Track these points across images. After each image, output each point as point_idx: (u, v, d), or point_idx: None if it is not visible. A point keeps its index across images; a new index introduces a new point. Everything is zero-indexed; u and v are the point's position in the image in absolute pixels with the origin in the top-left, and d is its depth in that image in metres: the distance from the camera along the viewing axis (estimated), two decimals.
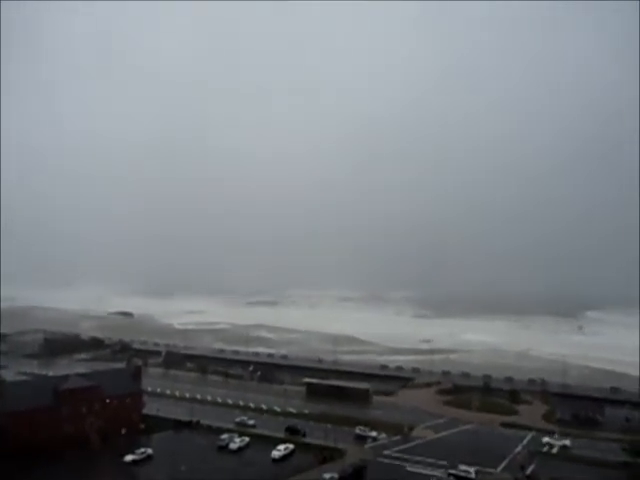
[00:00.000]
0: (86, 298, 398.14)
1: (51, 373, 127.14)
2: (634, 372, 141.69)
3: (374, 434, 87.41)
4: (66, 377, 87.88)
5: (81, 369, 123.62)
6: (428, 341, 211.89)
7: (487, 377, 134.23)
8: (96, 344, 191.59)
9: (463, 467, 69.80)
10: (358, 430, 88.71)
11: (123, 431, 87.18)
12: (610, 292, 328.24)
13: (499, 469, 73.00)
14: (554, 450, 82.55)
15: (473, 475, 68.27)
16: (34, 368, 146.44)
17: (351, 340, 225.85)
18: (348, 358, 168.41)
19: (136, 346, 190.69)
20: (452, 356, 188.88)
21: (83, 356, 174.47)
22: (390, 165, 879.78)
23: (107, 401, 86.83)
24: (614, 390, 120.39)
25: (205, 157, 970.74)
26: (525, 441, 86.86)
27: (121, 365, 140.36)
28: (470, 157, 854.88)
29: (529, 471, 70.91)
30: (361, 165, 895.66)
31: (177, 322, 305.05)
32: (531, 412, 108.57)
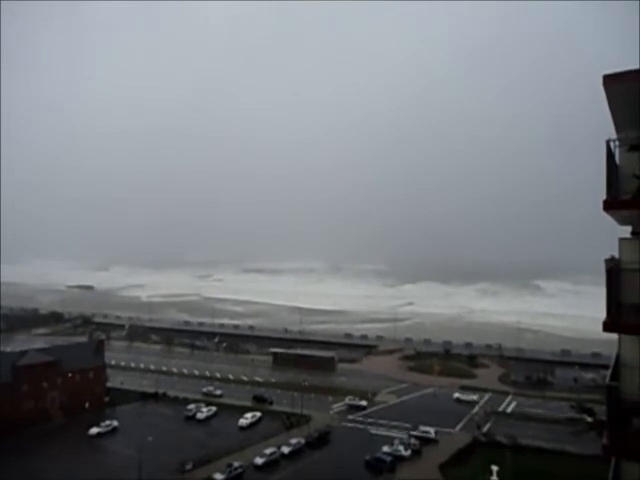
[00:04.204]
0: (41, 272, 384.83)
1: (9, 349, 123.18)
2: (583, 336, 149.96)
3: (364, 403, 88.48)
4: (25, 352, 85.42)
5: (40, 344, 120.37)
6: (388, 310, 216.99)
7: (447, 343, 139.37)
8: (56, 318, 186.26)
9: (424, 428, 73.06)
10: (348, 400, 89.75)
11: (87, 405, 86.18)
12: (566, 263, 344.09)
13: (457, 428, 76.91)
14: (508, 409, 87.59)
15: (433, 435, 71.64)
16: None
17: (316, 310, 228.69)
18: (314, 328, 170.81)
19: (98, 319, 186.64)
20: (407, 322, 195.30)
21: (42, 331, 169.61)
22: (365, 138, 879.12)
23: (69, 375, 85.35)
24: (564, 353, 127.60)
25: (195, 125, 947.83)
26: (482, 402, 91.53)
27: (83, 339, 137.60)
28: (447, 132, 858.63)
29: (485, 429, 75.04)
30: (337, 138, 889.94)
31: (137, 294, 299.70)
32: (488, 375, 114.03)
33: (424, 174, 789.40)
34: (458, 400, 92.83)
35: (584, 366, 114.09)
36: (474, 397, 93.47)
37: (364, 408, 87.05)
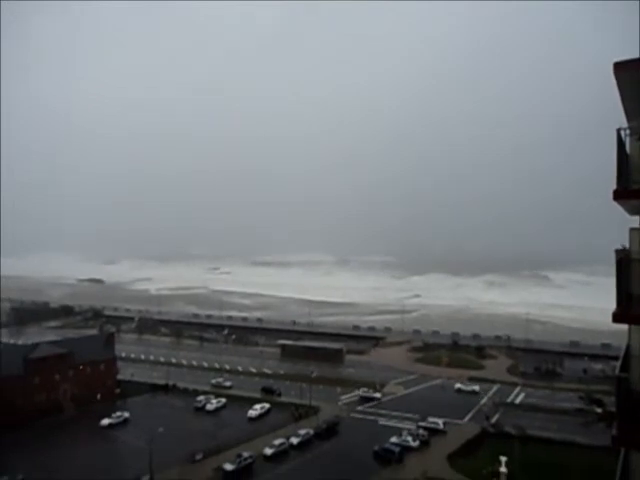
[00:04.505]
0: (50, 266, 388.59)
1: (20, 341, 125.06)
2: (592, 327, 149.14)
3: (378, 395, 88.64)
4: (36, 345, 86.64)
5: (52, 337, 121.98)
6: (397, 302, 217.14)
7: (455, 334, 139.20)
8: (66, 311, 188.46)
9: (432, 419, 73.22)
10: (362, 392, 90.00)
11: (98, 397, 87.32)
12: (575, 254, 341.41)
13: (466, 419, 77.01)
14: (517, 401, 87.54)
15: (441, 426, 71.80)
16: (3, 337, 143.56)
17: (324, 303, 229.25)
18: (322, 320, 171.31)
19: (108, 312, 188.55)
20: (415, 314, 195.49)
21: (53, 324, 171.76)
22: (366, 136, 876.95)
23: (80, 367, 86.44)
24: (573, 344, 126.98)
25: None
26: (490, 393, 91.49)
27: (93, 332, 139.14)
28: (450, 128, 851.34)
29: (494, 420, 75.06)
30: (341, 132, 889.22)
31: (145, 287, 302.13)
32: (496, 366, 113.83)
33: (431, 170, 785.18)
34: (459, 390, 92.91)
35: (593, 357, 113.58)
36: (475, 387, 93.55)
37: (378, 400, 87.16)
